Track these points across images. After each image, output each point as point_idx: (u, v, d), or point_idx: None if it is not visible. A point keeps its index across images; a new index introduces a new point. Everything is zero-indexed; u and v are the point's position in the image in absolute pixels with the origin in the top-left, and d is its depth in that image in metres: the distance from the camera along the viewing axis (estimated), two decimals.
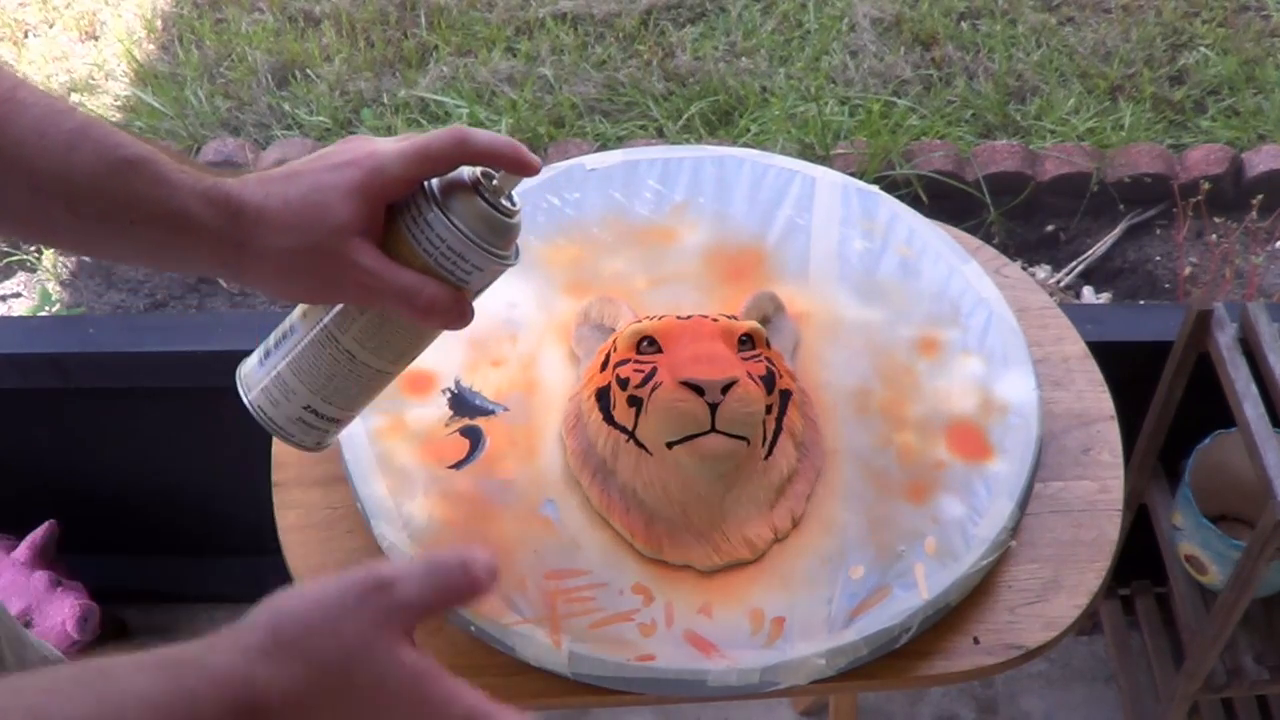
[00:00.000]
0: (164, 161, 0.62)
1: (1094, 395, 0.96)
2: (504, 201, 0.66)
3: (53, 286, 1.85)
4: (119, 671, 0.46)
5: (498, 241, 0.66)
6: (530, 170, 0.65)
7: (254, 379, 0.71)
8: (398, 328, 0.68)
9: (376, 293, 0.64)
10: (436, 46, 2.16)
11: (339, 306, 0.68)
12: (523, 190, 1.04)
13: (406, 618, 0.51)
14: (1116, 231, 1.87)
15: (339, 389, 0.69)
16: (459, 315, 0.65)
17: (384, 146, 0.64)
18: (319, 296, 0.67)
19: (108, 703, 0.45)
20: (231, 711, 0.47)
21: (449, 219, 0.64)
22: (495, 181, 0.66)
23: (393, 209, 0.65)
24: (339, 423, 0.72)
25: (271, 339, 0.71)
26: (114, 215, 0.62)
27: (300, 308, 0.70)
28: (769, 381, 0.84)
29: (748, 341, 0.85)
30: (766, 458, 0.84)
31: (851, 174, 1.16)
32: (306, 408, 0.70)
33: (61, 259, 1.88)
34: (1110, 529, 0.87)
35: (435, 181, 0.65)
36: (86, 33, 2.31)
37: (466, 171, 0.65)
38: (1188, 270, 1.80)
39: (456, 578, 0.52)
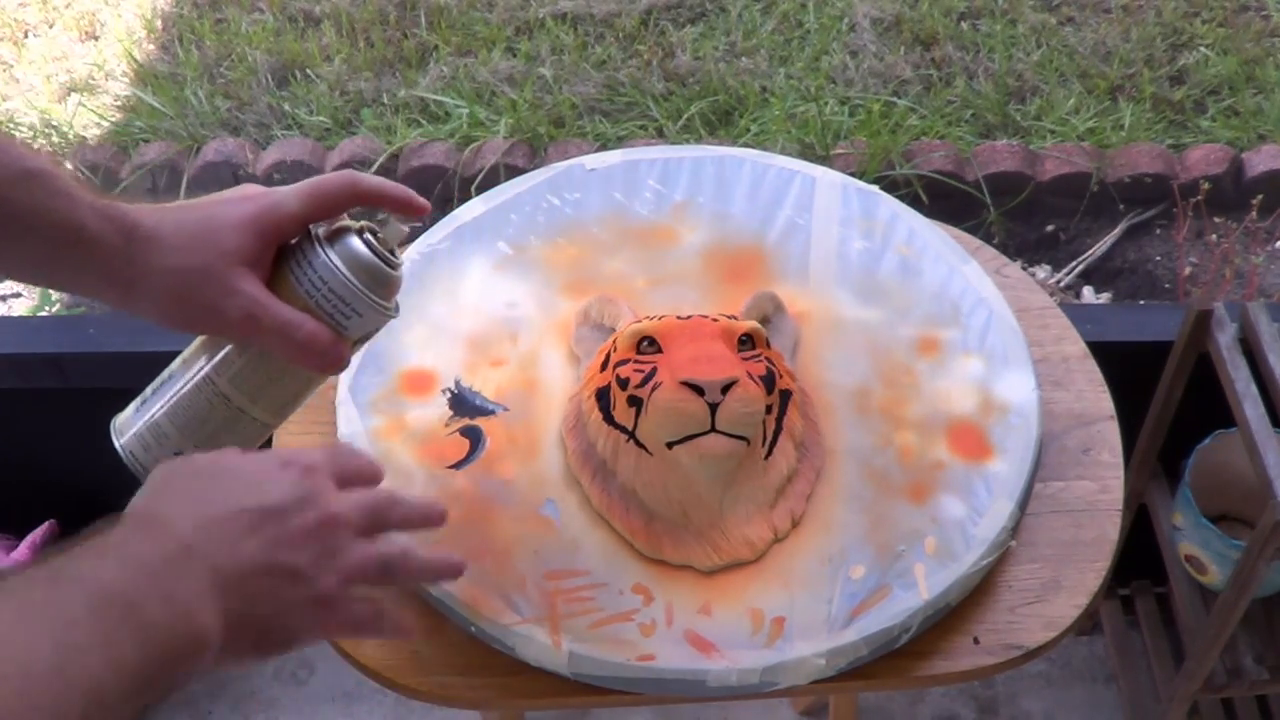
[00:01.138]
0: (64, 176, 0.64)
1: (1094, 395, 0.96)
2: (388, 252, 0.68)
3: None
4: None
5: (379, 290, 0.68)
6: (418, 212, 0.69)
7: (128, 425, 0.71)
8: (275, 374, 0.69)
9: (257, 323, 0.65)
10: (436, 46, 2.16)
11: (220, 353, 0.69)
12: (523, 190, 1.04)
13: None
14: (1116, 231, 1.87)
15: (211, 435, 0.69)
16: (336, 359, 0.67)
17: (280, 190, 0.67)
18: (201, 324, 0.68)
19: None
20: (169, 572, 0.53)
21: (332, 262, 0.66)
22: (381, 234, 0.68)
23: (281, 251, 0.67)
24: None
25: (149, 388, 0.71)
26: (10, 223, 0.62)
27: (180, 356, 0.71)
28: (769, 381, 0.84)
29: (748, 341, 0.85)
30: (766, 458, 0.84)
31: (851, 174, 1.16)
32: (178, 454, 0.69)
33: None
34: (1110, 529, 0.87)
35: (323, 226, 0.68)
36: (86, 33, 2.31)
37: (353, 222, 0.68)
38: (1188, 270, 1.80)
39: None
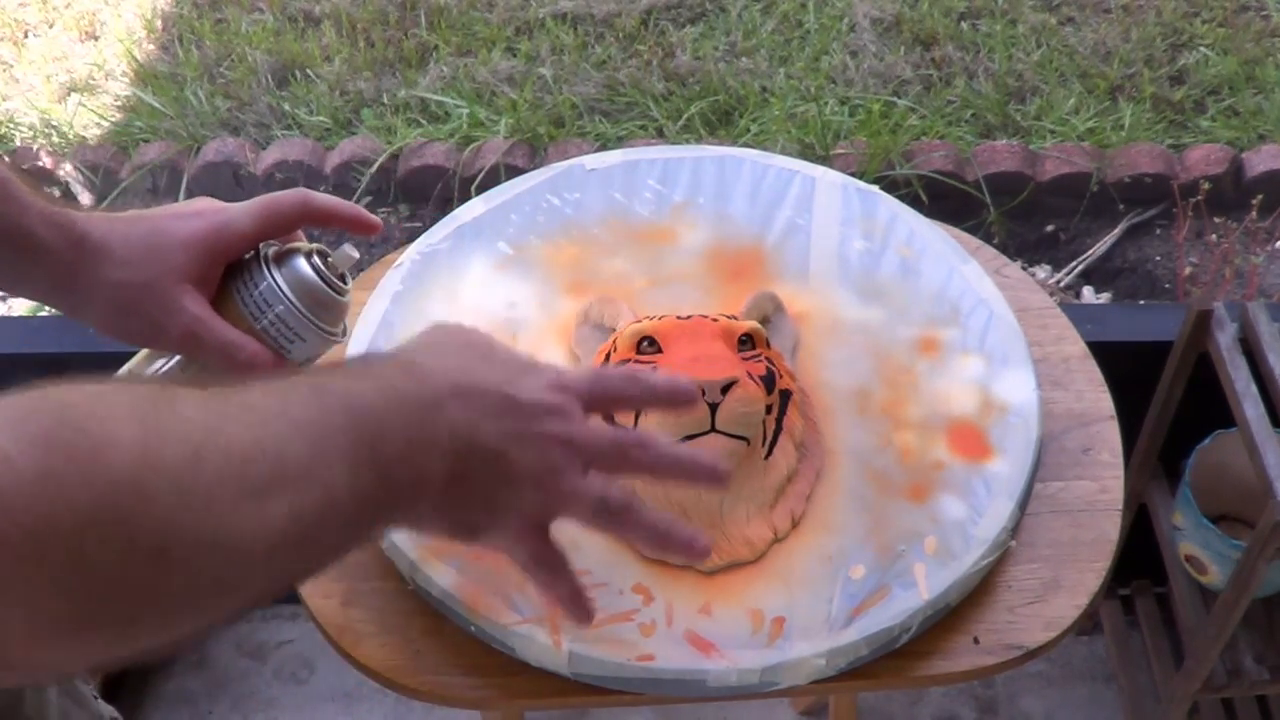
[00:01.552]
0: (16, 183, 0.64)
1: (1094, 395, 0.95)
2: (336, 278, 0.68)
3: None
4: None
5: (324, 315, 0.68)
6: (370, 230, 0.69)
7: None
8: None
9: (199, 341, 0.65)
10: (436, 46, 2.16)
11: (165, 366, 0.68)
12: (523, 190, 1.04)
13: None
14: (1116, 231, 1.87)
15: None
16: None
17: (233, 206, 0.67)
18: (143, 338, 0.67)
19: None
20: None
21: (278, 285, 0.66)
22: (330, 258, 0.68)
23: (230, 268, 0.67)
24: None
25: None
26: None
27: (125, 366, 0.70)
28: (769, 381, 0.84)
29: (748, 341, 0.85)
30: (766, 458, 0.84)
31: (851, 174, 1.16)
32: None
33: None
34: (1110, 529, 0.87)
35: (274, 246, 0.68)
36: (86, 33, 2.31)
37: (303, 245, 0.68)
38: (1188, 270, 1.80)
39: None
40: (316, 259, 0.68)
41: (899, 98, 2.01)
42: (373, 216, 0.70)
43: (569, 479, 0.59)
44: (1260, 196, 1.72)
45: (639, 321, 0.88)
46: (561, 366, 0.62)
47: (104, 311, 0.66)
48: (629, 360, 0.85)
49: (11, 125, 2.09)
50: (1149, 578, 1.55)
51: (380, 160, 1.92)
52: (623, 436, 0.62)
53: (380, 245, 1.85)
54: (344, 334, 0.70)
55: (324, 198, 0.69)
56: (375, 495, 0.51)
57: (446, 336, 0.61)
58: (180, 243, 0.65)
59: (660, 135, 1.96)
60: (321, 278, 0.67)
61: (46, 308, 1.78)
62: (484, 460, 0.56)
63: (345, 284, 0.69)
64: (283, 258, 0.67)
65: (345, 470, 0.49)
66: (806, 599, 0.80)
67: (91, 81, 2.17)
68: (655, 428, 0.81)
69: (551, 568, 0.63)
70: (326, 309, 0.68)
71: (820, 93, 2.01)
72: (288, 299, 0.66)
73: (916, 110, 1.98)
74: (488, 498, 0.58)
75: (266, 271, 0.66)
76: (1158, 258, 1.85)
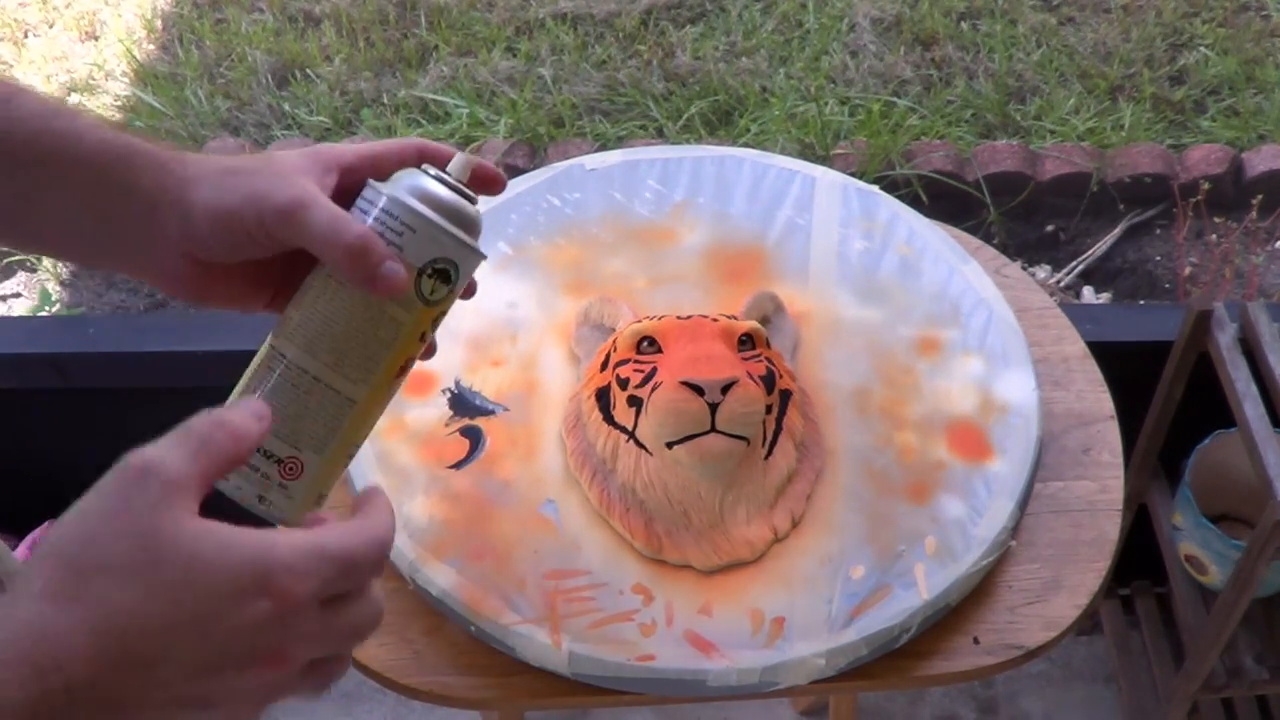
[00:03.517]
0: (101, 116, 0.61)
1: (1094, 395, 0.96)
2: (460, 184, 0.60)
3: (53, 287, 1.85)
4: None
5: (459, 221, 0.59)
6: (494, 185, 0.63)
7: None
8: (339, 316, 0.57)
9: (305, 209, 0.56)
10: (436, 46, 2.16)
11: (278, 322, 0.60)
12: (523, 190, 1.04)
13: (183, 495, 0.45)
14: (1116, 231, 1.87)
15: (288, 420, 0.57)
16: (392, 279, 0.56)
17: (337, 146, 0.62)
18: (243, 215, 0.56)
19: None
20: (35, 676, 0.39)
21: (400, 197, 0.58)
22: (452, 173, 0.60)
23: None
24: (284, 466, 0.57)
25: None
26: (58, 152, 0.57)
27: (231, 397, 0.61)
28: (769, 381, 0.84)
29: (748, 341, 0.85)
30: (766, 458, 0.84)
31: (851, 174, 1.16)
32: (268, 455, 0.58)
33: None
34: (1110, 529, 0.87)
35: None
36: (86, 33, 2.31)
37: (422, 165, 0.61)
38: (1188, 270, 1.80)
39: (219, 439, 0.48)
40: (434, 170, 0.59)
41: (899, 98, 2.01)
42: (497, 171, 0.62)
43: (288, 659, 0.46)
44: (1260, 196, 1.72)
45: (639, 321, 0.88)
46: (288, 562, 0.45)
47: (208, 197, 0.57)
48: (629, 360, 0.85)
49: None
50: (1149, 578, 1.55)
51: None
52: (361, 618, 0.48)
53: None
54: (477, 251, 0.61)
55: (439, 146, 0.61)
56: None
57: (105, 545, 0.43)
58: (289, 157, 0.58)
59: (660, 135, 1.96)
60: (449, 187, 0.59)
61: (47, 308, 1.78)
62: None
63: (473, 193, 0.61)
64: (402, 175, 0.59)
65: None
66: (806, 599, 0.80)
67: (91, 81, 2.17)
68: (655, 429, 0.81)
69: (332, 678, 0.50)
70: (458, 215, 0.59)
71: (820, 93, 2.01)
72: (415, 209, 0.57)
73: (916, 110, 1.98)
74: None
75: (382, 189, 0.58)
76: (1158, 258, 1.85)
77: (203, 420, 0.48)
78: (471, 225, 0.60)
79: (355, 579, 0.48)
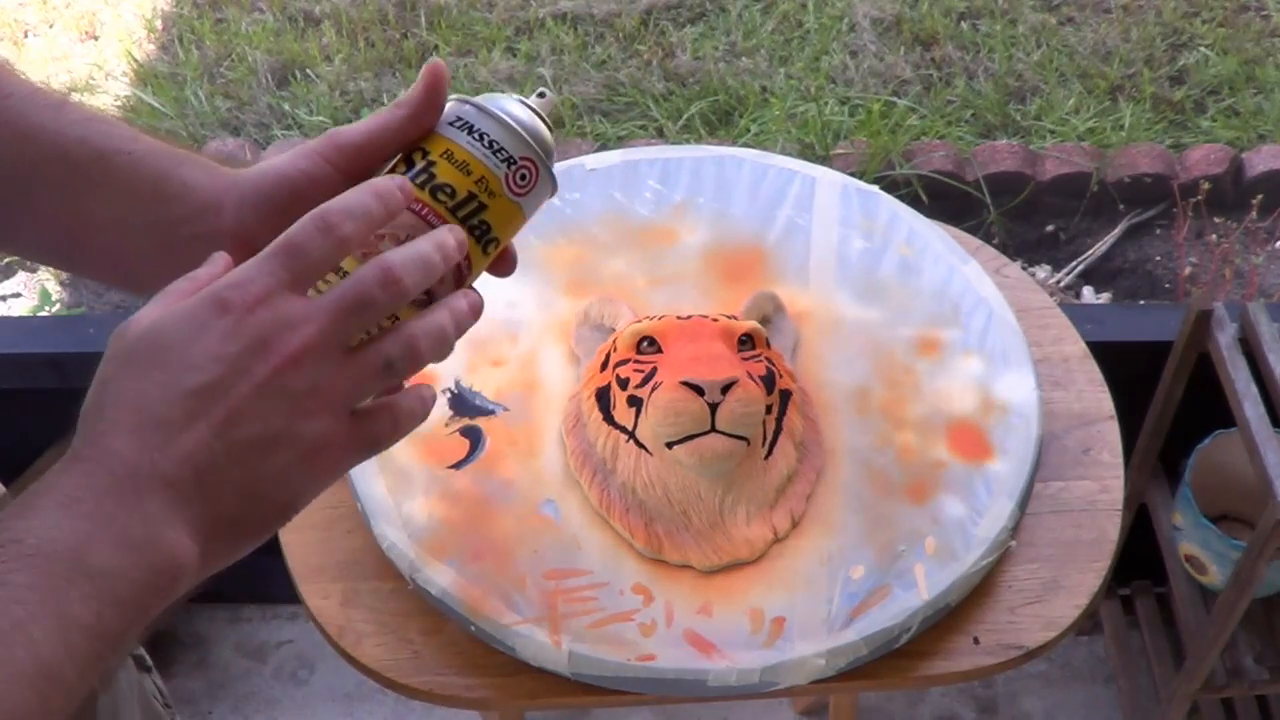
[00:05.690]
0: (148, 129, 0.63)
1: (1094, 395, 0.96)
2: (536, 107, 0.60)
3: (53, 286, 1.85)
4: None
5: (536, 134, 0.60)
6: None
7: None
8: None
9: (337, 133, 0.60)
10: (436, 46, 2.16)
11: None
12: None
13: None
14: (1116, 231, 1.87)
15: None
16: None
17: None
18: (323, 157, 0.61)
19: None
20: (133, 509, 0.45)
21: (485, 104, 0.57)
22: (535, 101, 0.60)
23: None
24: None
25: None
26: (111, 151, 0.60)
27: None
28: (769, 381, 0.84)
29: (748, 341, 0.85)
30: (766, 458, 0.84)
31: (851, 174, 1.16)
32: None
33: None
34: (1110, 529, 0.87)
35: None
36: (86, 33, 2.31)
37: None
38: (1188, 270, 1.80)
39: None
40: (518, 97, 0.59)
41: (899, 98, 2.01)
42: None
43: (329, 384, 0.49)
44: (1260, 196, 1.72)
45: (639, 321, 0.88)
46: (236, 275, 0.49)
47: (254, 180, 0.61)
48: (629, 360, 0.85)
49: None
50: (1149, 578, 1.55)
51: None
52: (346, 297, 0.49)
53: None
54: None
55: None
56: (112, 619, 0.44)
57: (112, 365, 0.50)
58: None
59: (660, 135, 1.96)
60: (529, 108, 0.59)
61: (47, 308, 1.78)
62: (219, 470, 0.47)
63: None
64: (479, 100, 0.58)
65: (51, 628, 0.43)
66: (806, 599, 0.80)
67: (91, 81, 2.17)
68: (655, 429, 0.81)
69: (400, 427, 0.53)
70: (537, 131, 0.59)
71: (820, 93, 2.01)
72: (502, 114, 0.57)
73: (916, 110, 1.98)
74: (262, 490, 0.48)
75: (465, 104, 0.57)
76: (1158, 258, 1.85)
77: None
78: (549, 152, 0.62)
79: (328, 238, 0.50)
